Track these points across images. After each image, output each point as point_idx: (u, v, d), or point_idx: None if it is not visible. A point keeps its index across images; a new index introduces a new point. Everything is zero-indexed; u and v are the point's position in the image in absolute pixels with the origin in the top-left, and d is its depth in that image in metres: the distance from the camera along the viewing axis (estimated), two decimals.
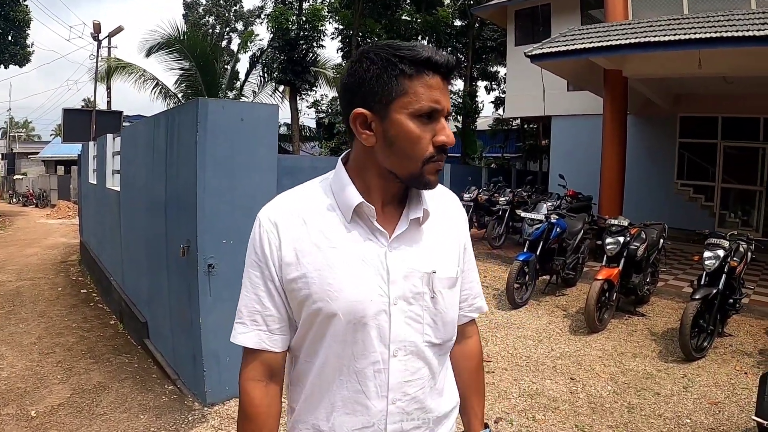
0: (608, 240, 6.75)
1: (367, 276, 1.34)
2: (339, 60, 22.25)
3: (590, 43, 9.74)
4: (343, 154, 1.46)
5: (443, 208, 1.50)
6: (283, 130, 22.47)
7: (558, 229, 7.86)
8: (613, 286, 6.64)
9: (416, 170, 1.31)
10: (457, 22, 23.23)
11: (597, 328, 6.56)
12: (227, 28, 39.68)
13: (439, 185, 1.48)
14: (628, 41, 9.48)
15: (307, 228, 1.36)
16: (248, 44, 19.65)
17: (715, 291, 6.00)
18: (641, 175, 14.53)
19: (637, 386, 5.24)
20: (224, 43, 35.35)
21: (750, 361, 6.00)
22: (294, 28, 17.77)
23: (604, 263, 6.76)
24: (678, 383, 5.37)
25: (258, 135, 4.59)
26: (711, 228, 12.13)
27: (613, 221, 7.01)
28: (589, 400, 4.89)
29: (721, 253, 6.20)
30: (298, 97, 20.09)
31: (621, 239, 6.71)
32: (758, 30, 8.41)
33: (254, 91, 20.68)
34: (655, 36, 9.32)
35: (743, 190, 14.71)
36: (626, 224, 6.95)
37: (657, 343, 6.45)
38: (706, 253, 6.23)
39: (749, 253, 7.07)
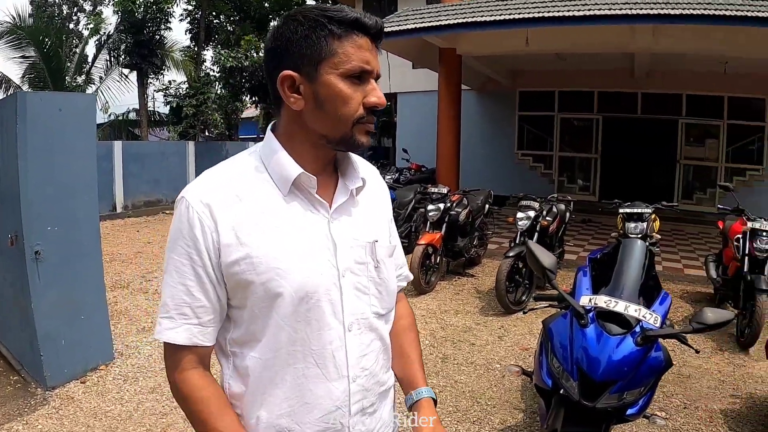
0: (429, 207, 7.19)
1: (314, 250, 1.29)
2: (187, 42, 21.76)
3: (423, 22, 10.18)
4: (271, 124, 1.38)
5: (369, 178, 1.46)
6: (132, 115, 21.76)
7: None
8: (437, 250, 7.09)
9: (347, 132, 1.27)
10: (310, 1, 23.29)
11: (424, 289, 6.99)
12: (75, 8, 37.44)
13: (362, 159, 1.49)
14: (457, 21, 10.00)
15: (243, 205, 1.27)
16: (97, 29, 18.78)
17: None
18: (484, 147, 15.46)
19: (455, 339, 5.67)
20: (72, 25, 33.38)
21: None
22: (141, 9, 17.20)
23: (427, 229, 7.20)
24: (494, 334, 5.85)
25: (76, 124, 4.62)
26: (551, 194, 13.16)
27: (433, 189, 7.49)
28: None
29: (531, 213, 6.83)
30: (146, 81, 19.46)
31: (441, 206, 7.16)
32: (578, 11, 9.18)
33: (101, 77, 19.83)
34: (483, 16, 9.91)
35: (580, 158, 16.02)
36: (446, 191, 7.44)
37: (481, 300, 6.97)
38: (519, 214, 6.85)
39: (568, 213, 7.78)
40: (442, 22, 10.04)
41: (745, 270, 6.09)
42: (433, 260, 7.09)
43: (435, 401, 1.52)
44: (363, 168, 1.43)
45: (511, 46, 11.10)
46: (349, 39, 1.23)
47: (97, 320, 4.83)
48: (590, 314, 2.73)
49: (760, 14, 8.42)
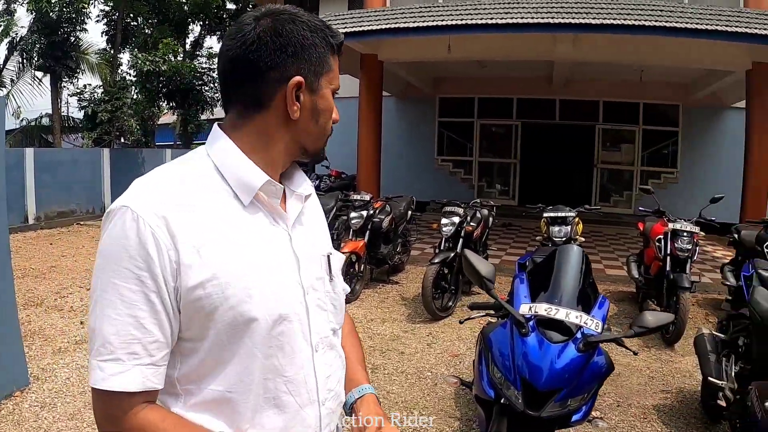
0: (352, 214, 7.11)
1: (281, 266, 1.20)
2: (103, 44, 20.98)
3: (345, 27, 10.10)
4: (217, 125, 1.25)
5: (311, 189, 1.39)
6: (45, 121, 20.79)
7: None
8: (360, 258, 6.98)
9: (322, 145, 1.27)
10: (230, 5, 22.90)
11: (348, 298, 6.83)
12: None
13: None
14: (380, 27, 9.99)
15: (200, 217, 1.12)
16: (8, 30, 17.84)
17: (453, 254, 6.58)
18: (404, 153, 15.60)
19: (383, 348, 5.58)
20: None
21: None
22: (56, 9, 16.43)
23: (350, 236, 7.10)
24: (422, 341, 5.80)
25: None
26: (471, 199, 13.35)
27: (356, 196, 7.40)
28: None
29: (456, 219, 6.82)
30: (60, 85, 18.64)
31: (364, 213, 7.09)
32: (501, 18, 9.31)
33: (12, 80, 18.88)
34: (406, 22, 9.92)
35: (499, 164, 16.29)
36: (369, 198, 7.36)
37: (407, 308, 6.91)
38: (443, 220, 6.83)
39: (491, 218, 7.82)
40: (364, 28, 10.01)
41: (668, 269, 6.31)
42: (356, 268, 6.98)
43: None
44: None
45: (433, 53, 11.19)
46: (335, 58, 1.24)
47: (10, 342, 4.40)
48: (531, 323, 2.69)
49: (676, 25, 8.76)
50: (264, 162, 1.20)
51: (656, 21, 8.91)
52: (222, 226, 1.13)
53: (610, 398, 4.73)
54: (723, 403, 3.79)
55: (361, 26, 10.05)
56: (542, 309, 2.69)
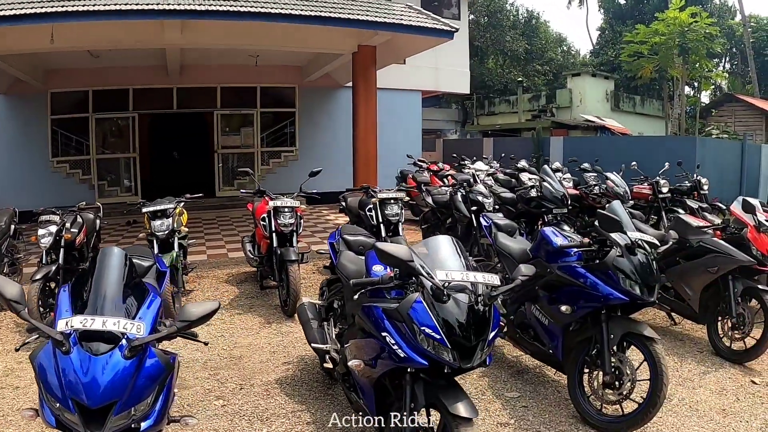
0: None
1: None
2: None
3: None
4: None
5: None
6: None
7: None
8: None
9: None
10: None
11: None
12: None
13: None
14: None
15: None
16: None
17: (55, 267, 6.19)
18: (16, 156, 13.97)
19: None
20: None
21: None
22: None
23: None
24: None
25: None
26: (92, 200, 12.57)
27: None
28: None
29: (53, 228, 6.37)
30: None
31: None
32: (104, 5, 8.82)
33: None
34: (3, 10, 8.75)
35: (119, 159, 15.71)
36: None
37: (21, 335, 6.14)
38: (40, 231, 6.34)
39: (98, 221, 7.49)
40: None
41: (275, 245, 6.81)
42: None
43: None
44: None
45: (35, 44, 10.10)
46: None
47: None
48: (71, 338, 2.60)
49: (287, 11, 9.51)
50: None
51: (266, 7, 9.40)
52: None
53: (233, 383, 4.96)
54: (330, 365, 4.24)
55: None
56: (77, 322, 2.63)
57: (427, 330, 2.95)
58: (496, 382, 4.90)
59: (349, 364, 3.53)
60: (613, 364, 4.00)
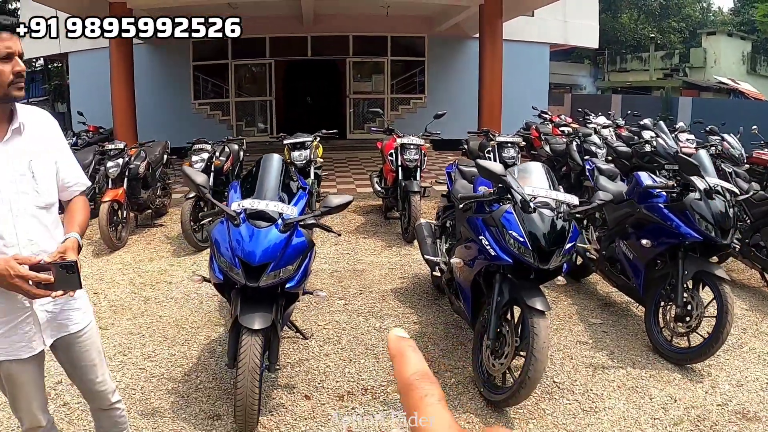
0: (109, 164, 7.24)
1: None
2: None
3: None
4: None
5: (38, 120, 2.22)
6: None
7: None
8: (122, 205, 7.18)
9: (4, 89, 2.01)
10: None
11: (116, 245, 7.06)
12: None
13: (37, 108, 2.32)
14: None
15: None
16: None
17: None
18: (160, 99, 15.25)
19: (153, 282, 6.05)
20: None
21: None
22: None
23: (109, 185, 7.25)
24: (188, 270, 6.37)
25: None
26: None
27: (110, 146, 7.50)
28: (110, 305, 5.46)
29: (205, 155, 7.39)
30: None
31: (120, 161, 7.26)
32: None
33: None
34: None
35: (256, 102, 16.85)
36: (122, 146, 7.53)
37: (172, 245, 7.38)
38: (193, 158, 7.35)
39: (242, 153, 8.46)
40: None
41: (400, 178, 7.44)
42: (120, 215, 7.18)
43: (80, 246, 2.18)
44: (25, 116, 2.15)
45: None
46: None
47: None
48: (241, 215, 3.45)
49: None
50: None
51: None
52: None
53: (354, 288, 5.81)
54: (438, 274, 4.95)
55: None
56: (247, 203, 3.50)
57: (515, 234, 3.56)
58: (584, 310, 5.37)
59: (452, 261, 4.25)
60: (685, 299, 4.32)
